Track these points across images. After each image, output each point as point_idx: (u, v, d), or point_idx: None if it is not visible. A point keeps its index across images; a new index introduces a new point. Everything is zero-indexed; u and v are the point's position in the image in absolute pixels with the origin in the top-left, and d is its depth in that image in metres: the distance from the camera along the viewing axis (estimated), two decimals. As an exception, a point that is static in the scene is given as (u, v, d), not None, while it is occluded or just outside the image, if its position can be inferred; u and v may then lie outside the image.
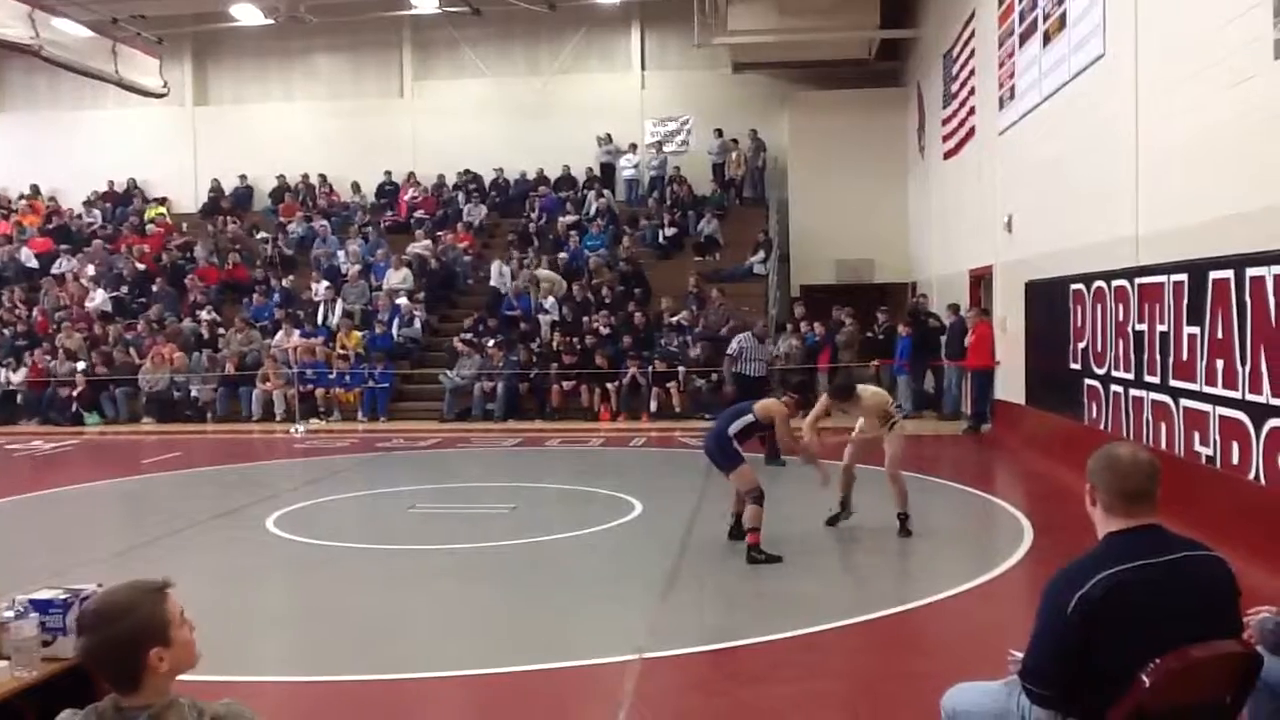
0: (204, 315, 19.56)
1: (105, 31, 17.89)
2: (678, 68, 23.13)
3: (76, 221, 24.02)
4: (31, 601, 3.18)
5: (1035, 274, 12.50)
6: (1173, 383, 8.53)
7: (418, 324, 18.85)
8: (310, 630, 6.38)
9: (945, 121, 17.17)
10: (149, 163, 24.59)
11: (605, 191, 22.11)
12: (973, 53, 15.29)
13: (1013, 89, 13.24)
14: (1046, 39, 11.83)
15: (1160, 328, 8.76)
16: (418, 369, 18.30)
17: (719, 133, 22.46)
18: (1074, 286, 11.02)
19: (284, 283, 20.47)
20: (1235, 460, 7.46)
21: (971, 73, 15.41)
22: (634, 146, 22.93)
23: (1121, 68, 9.58)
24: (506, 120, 23.23)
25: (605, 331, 17.59)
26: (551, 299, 18.96)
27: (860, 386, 8.32)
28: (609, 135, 22.97)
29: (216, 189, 24.21)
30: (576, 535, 8.67)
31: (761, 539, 7.36)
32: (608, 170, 23.00)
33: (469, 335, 17.98)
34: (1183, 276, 8.30)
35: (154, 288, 20.70)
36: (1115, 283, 9.82)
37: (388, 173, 23.55)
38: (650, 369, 16.88)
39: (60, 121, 24.44)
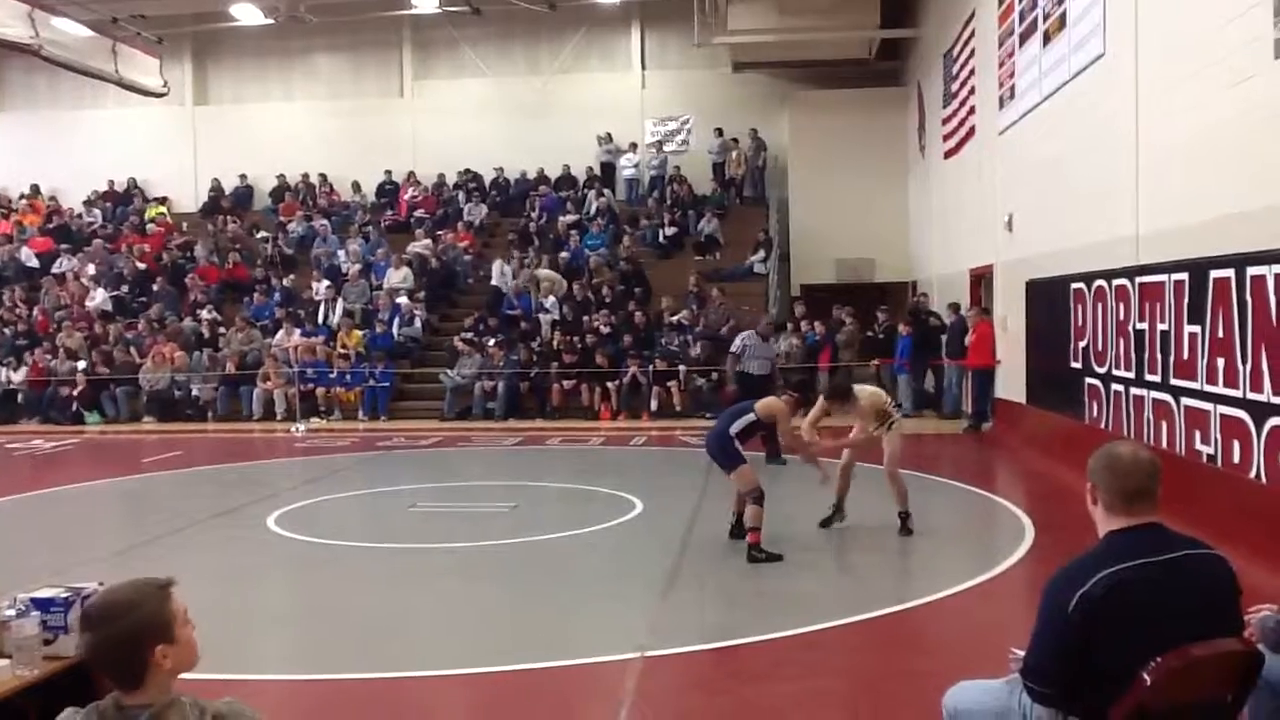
0: (204, 314, 19.57)
1: (105, 31, 17.90)
2: (678, 67, 23.12)
3: (77, 221, 24.02)
4: (33, 600, 3.17)
5: (1036, 273, 12.50)
6: (1173, 382, 8.53)
7: (418, 323, 18.86)
8: (311, 629, 6.38)
9: (945, 121, 17.16)
10: (149, 162, 24.58)
11: (605, 191, 22.10)
12: (973, 52, 15.29)
13: (1013, 88, 13.24)
14: (1046, 38, 11.83)
15: (1161, 327, 8.76)
16: (418, 368, 18.30)
17: (719, 132, 22.46)
18: (1075, 285, 11.01)
19: (284, 282, 20.48)
20: (1236, 459, 7.46)
21: (972, 72, 15.40)
22: (634, 146, 22.92)
23: (1121, 67, 9.58)
24: (506, 120, 23.22)
25: (606, 331, 17.59)
26: (552, 298, 18.97)
27: (857, 387, 8.32)
28: (609, 135, 22.96)
29: (217, 188, 24.21)
30: (577, 534, 8.66)
31: (762, 538, 7.37)
32: (608, 170, 23.00)
33: (469, 334, 17.99)
34: (1183, 275, 8.30)
35: (154, 287, 20.69)
36: (1116, 282, 9.82)
37: (388, 172, 23.54)
38: (651, 368, 16.89)
39: (60, 121, 24.42)
